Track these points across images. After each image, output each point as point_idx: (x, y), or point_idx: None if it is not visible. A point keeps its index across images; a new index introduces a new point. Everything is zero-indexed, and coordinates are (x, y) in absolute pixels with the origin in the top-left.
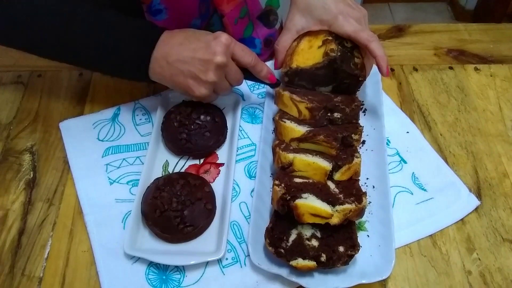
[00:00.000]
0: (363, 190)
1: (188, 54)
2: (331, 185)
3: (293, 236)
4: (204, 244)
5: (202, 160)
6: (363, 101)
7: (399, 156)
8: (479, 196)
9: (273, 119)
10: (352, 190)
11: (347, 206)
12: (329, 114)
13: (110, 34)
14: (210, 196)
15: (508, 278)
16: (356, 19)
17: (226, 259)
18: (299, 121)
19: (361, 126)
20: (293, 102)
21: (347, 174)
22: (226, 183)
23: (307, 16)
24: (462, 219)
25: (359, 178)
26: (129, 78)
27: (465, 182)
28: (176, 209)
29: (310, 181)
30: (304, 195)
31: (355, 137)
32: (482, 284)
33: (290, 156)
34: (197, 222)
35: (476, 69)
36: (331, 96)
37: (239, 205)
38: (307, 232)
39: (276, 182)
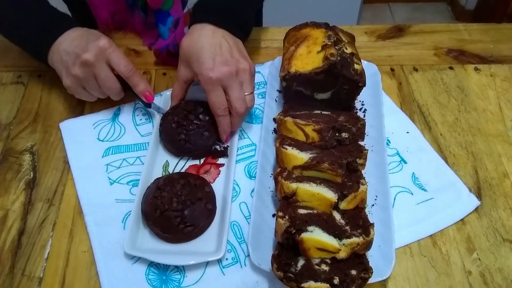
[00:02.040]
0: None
1: (69, 47)
2: (337, 216)
3: (301, 262)
4: (204, 244)
5: (202, 161)
6: (364, 111)
7: (399, 156)
8: (479, 196)
9: (274, 141)
10: (358, 221)
11: (354, 239)
12: (337, 134)
13: (29, 16)
14: (211, 196)
15: (508, 278)
16: (223, 78)
17: (226, 259)
18: (301, 147)
19: (366, 150)
20: (298, 126)
21: (353, 202)
22: (226, 183)
23: (189, 67)
24: (462, 219)
25: (366, 205)
26: (34, 57)
27: (465, 182)
28: (177, 209)
29: (315, 212)
30: (310, 228)
31: (359, 161)
32: (482, 284)
33: (293, 185)
34: (198, 222)
35: (476, 69)
36: (333, 116)
37: (239, 205)
38: (316, 259)
39: (280, 213)
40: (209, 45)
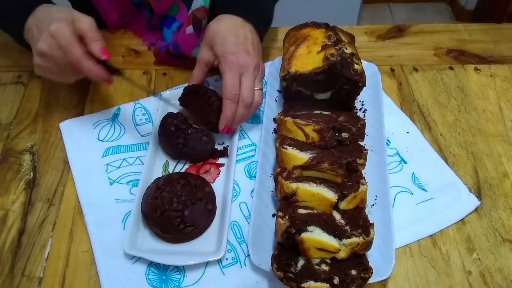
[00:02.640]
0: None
1: (32, 32)
2: (337, 216)
3: (301, 262)
4: (204, 244)
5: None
6: (364, 111)
7: (399, 156)
8: (479, 196)
9: (274, 141)
10: (358, 221)
11: (354, 239)
12: (337, 135)
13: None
14: (211, 196)
15: (508, 278)
16: (243, 65)
17: (226, 259)
18: (301, 147)
19: (365, 150)
20: (298, 126)
21: (353, 202)
22: (226, 184)
23: (212, 50)
24: (462, 219)
25: (366, 205)
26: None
27: (465, 182)
28: (177, 209)
29: (315, 211)
30: (310, 228)
31: (359, 161)
32: (482, 284)
33: (293, 185)
34: (198, 222)
35: (476, 69)
36: (333, 116)
37: (239, 205)
38: (316, 259)
39: (280, 213)
40: (236, 34)
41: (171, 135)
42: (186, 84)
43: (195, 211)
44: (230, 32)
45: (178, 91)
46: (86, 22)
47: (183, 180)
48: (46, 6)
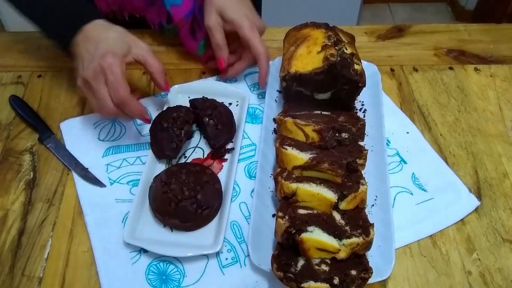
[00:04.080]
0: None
1: (83, 50)
2: (337, 216)
3: (301, 262)
4: (202, 238)
5: (205, 155)
6: (364, 111)
7: (399, 156)
8: (479, 196)
9: (274, 141)
10: (358, 221)
11: (354, 239)
12: (337, 135)
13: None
14: (215, 177)
15: (508, 279)
16: (259, 29)
17: (226, 259)
18: (301, 147)
19: (365, 150)
20: (298, 126)
21: (353, 203)
22: (228, 177)
23: (221, 16)
24: (462, 220)
25: (366, 205)
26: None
27: (465, 183)
28: (190, 196)
29: (315, 212)
30: (310, 228)
31: (359, 161)
32: (482, 284)
33: (293, 186)
34: (212, 203)
35: (476, 69)
36: (333, 117)
37: (239, 205)
38: (316, 259)
39: (280, 214)
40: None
41: (162, 138)
42: (186, 84)
43: (207, 193)
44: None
45: (178, 89)
46: (145, 49)
47: (184, 169)
48: (100, 24)
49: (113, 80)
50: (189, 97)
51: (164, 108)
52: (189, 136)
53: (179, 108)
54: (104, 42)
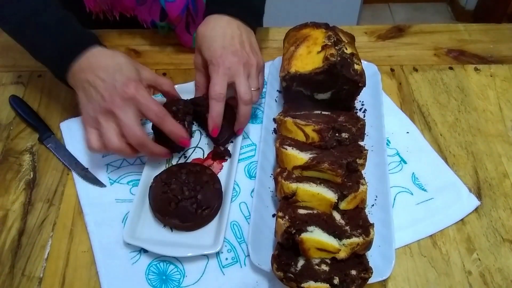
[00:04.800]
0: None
1: (94, 79)
2: (337, 216)
3: (301, 262)
4: (202, 239)
5: (205, 155)
6: (364, 111)
7: (399, 156)
8: (479, 196)
9: (274, 141)
10: (358, 221)
11: (354, 239)
12: (337, 135)
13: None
14: (214, 177)
15: (508, 278)
16: (230, 67)
17: (226, 259)
18: (301, 147)
19: (365, 150)
20: (298, 126)
21: (353, 203)
22: (228, 177)
23: (201, 54)
24: (462, 220)
25: (366, 205)
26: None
27: (465, 182)
28: (190, 196)
29: (315, 212)
30: (310, 228)
31: (359, 161)
32: (482, 284)
33: (293, 186)
34: (212, 203)
35: (476, 69)
36: (333, 116)
37: (239, 205)
38: (316, 259)
39: (280, 214)
40: (222, 35)
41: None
42: (186, 84)
43: (207, 193)
44: (217, 34)
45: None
46: (150, 71)
47: (184, 169)
48: (101, 50)
49: (147, 104)
50: (188, 99)
51: None
52: (191, 132)
53: (176, 101)
54: (118, 70)
